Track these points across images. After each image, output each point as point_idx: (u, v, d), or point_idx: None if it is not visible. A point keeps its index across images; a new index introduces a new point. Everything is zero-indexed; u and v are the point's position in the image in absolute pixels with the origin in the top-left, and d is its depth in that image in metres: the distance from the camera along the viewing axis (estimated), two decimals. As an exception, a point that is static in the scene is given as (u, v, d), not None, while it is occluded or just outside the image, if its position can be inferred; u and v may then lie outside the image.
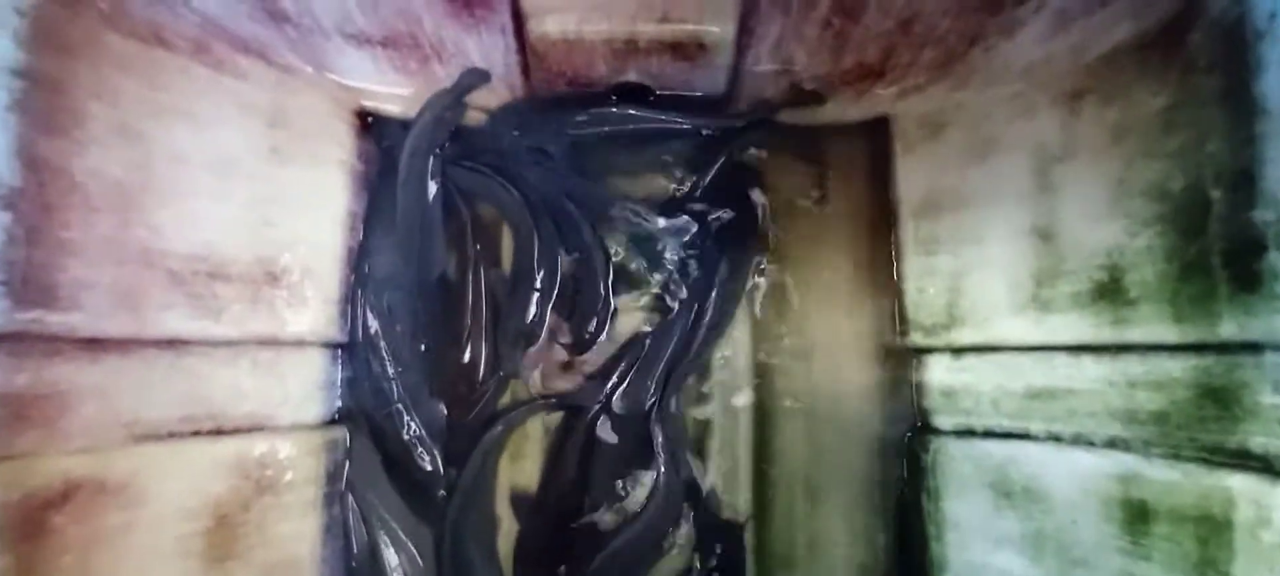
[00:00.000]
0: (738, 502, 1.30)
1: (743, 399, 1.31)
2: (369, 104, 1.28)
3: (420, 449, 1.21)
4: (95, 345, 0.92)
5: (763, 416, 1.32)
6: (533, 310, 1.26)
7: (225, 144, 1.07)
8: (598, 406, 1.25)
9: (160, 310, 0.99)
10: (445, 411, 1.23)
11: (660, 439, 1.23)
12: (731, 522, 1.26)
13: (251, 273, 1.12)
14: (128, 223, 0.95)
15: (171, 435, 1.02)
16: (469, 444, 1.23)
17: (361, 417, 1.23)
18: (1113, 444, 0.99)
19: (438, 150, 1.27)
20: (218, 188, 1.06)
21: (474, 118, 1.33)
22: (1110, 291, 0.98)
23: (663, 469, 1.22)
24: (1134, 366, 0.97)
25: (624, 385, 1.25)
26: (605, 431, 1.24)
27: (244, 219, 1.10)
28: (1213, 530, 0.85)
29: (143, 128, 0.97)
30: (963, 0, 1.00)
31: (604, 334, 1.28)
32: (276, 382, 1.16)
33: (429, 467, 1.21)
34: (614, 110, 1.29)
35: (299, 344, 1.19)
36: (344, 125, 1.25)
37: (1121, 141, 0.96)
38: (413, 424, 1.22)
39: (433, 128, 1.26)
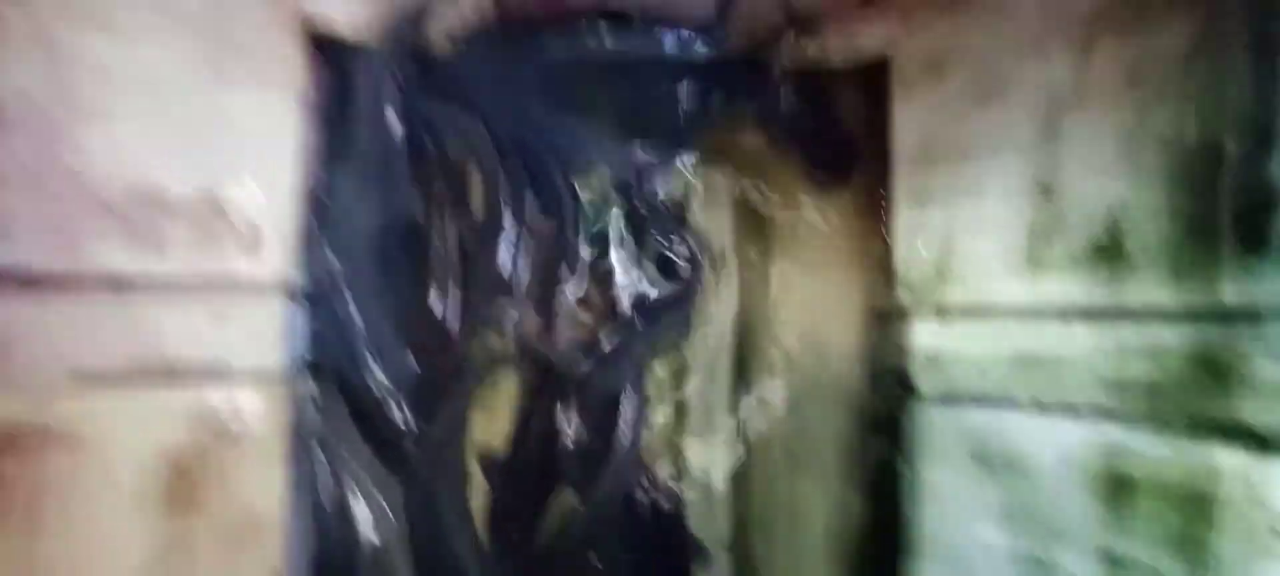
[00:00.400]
0: (715, 468, 1.27)
1: (724, 362, 1.27)
2: (324, 27, 1.18)
3: (389, 400, 1.18)
4: (30, 282, 0.87)
5: (745, 379, 1.27)
6: (506, 259, 1.19)
7: (152, 59, 0.98)
8: (574, 370, 1.21)
9: (96, 241, 0.93)
10: (414, 362, 1.19)
11: (628, 416, 1.19)
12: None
13: (195, 205, 1.05)
14: (51, 144, 0.88)
15: (120, 380, 0.98)
16: (440, 396, 1.19)
17: (329, 367, 1.20)
18: (1099, 414, 0.94)
19: (400, 80, 1.18)
20: (149, 108, 0.98)
21: (440, 44, 1.23)
22: (1108, 252, 0.92)
23: (626, 443, 1.19)
24: (1127, 334, 0.91)
25: (605, 356, 1.20)
26: (577, 397, 1.20)
27: (182, 145, 1.02)
28: (1198, 506, 0.82)
29: (61, 36, 0.88)
30: (974, -80, 0.89)
31: (577, 289, 1.23)
32: (233, 328, 1.11)
33: (398, 420, 1.18)
34: (591, 38, 1.19)
35: (256, 287, 1.14)
36: (296, 49, 1.15)
37: (1136, 86, 0.88)
38: (380, 375, 1.18)
39: (394, 54, 1.17)
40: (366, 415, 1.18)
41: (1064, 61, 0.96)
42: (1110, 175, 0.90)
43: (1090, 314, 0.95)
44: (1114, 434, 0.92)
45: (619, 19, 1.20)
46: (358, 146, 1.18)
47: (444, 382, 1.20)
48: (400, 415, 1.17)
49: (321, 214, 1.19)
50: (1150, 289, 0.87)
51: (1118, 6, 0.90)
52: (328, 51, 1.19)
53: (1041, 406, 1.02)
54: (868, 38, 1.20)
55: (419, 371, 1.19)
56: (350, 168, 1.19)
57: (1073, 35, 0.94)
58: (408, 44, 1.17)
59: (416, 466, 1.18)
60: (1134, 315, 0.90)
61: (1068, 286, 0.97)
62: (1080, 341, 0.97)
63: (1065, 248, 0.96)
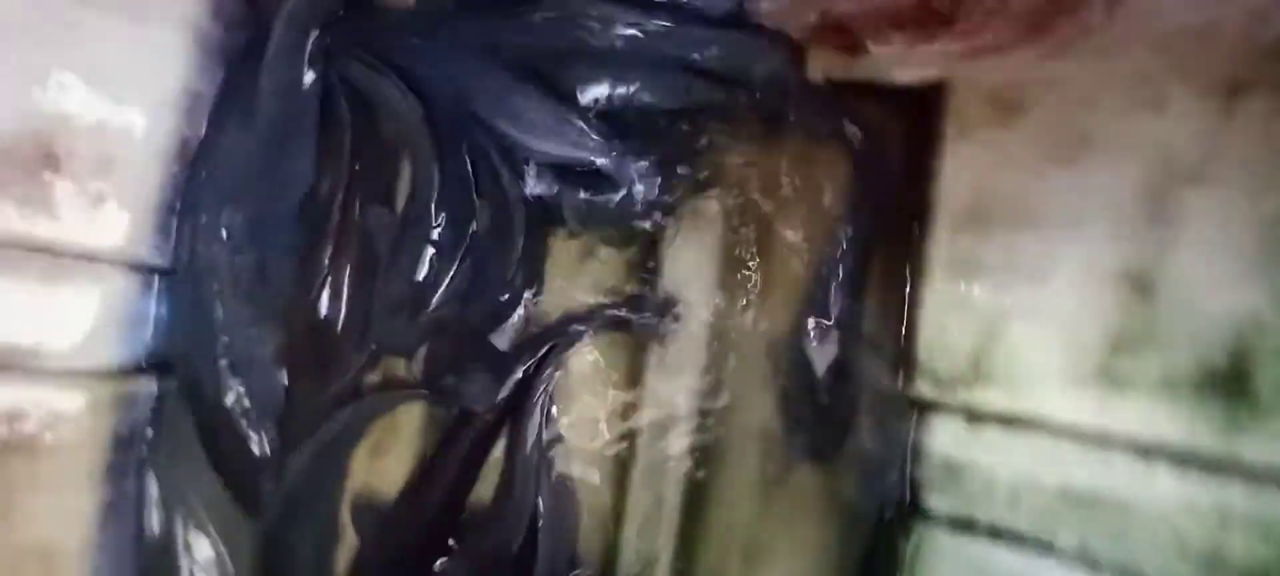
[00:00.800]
0: (655, 552, 1.01)
1: (679, 430, 1.00)
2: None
3: (247, 422, 0.91)
4: None
5: (703, 454, 1.01)
6: (425, 269, 0.93)
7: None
8: (494, 416, 0.94)
9: None
10: (287, 379, 0.92)
11: (557, 483, 0.94)
12: None
13: (16, 148, 0.79)
14: None
15: None
16: (313, 425, 0.93)
17: (178, 370, 0.92)
18: (1176, 591, 0.70)
19: (326, 22, 0.93)
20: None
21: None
22: (1227, 383, 0.68)
23: (549, 515, 0.93)
24: (1236, 495, 0.67)
25: (537, 399, 0.94)
26: (491, 447, 0.94)
27: (14, 76, 0.77)
28: None
29: None
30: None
31: (512, 319, 0.96)
32: (52, 308, 0.84)
33: (257, 449, 0.91)
34: (578, 17, 0.95)
35: (90, 259, 0.86)
36: (195, -31, 0.90)
37: (1296, 167, 0.64)
38: (240, 388, 0.91)
39: (326, -2, 0.92)
40: (216, 434, 0.90)
41: (1188, 118, 0.72)
42: (1241, 280, 0.66)
43: (1184, 459, 0.71)
44: (1194, 623, 0.68)
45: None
46: (260, 104, 0.92)
47: (325, 409, 0.93)
48: (258, 440, 0.90)
49: (198, 180, 0.92)
50: (1281, 445, 0.63)
51: (1277, 67, 0.66)
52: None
53: (1092, 562, 0.78)
54: (920, 64, 0.96)
55: (295, 391, 0.92)
56: (246, 129, 0.92)
57: (1206, 88, 0.70)
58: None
59: (271, 506, 0.90)
60: (1249, 474, 0.67)
61: (1156, 417, 0.72)
62: (1162, 492, 0.73)
63: (1160, 365, 0.72)
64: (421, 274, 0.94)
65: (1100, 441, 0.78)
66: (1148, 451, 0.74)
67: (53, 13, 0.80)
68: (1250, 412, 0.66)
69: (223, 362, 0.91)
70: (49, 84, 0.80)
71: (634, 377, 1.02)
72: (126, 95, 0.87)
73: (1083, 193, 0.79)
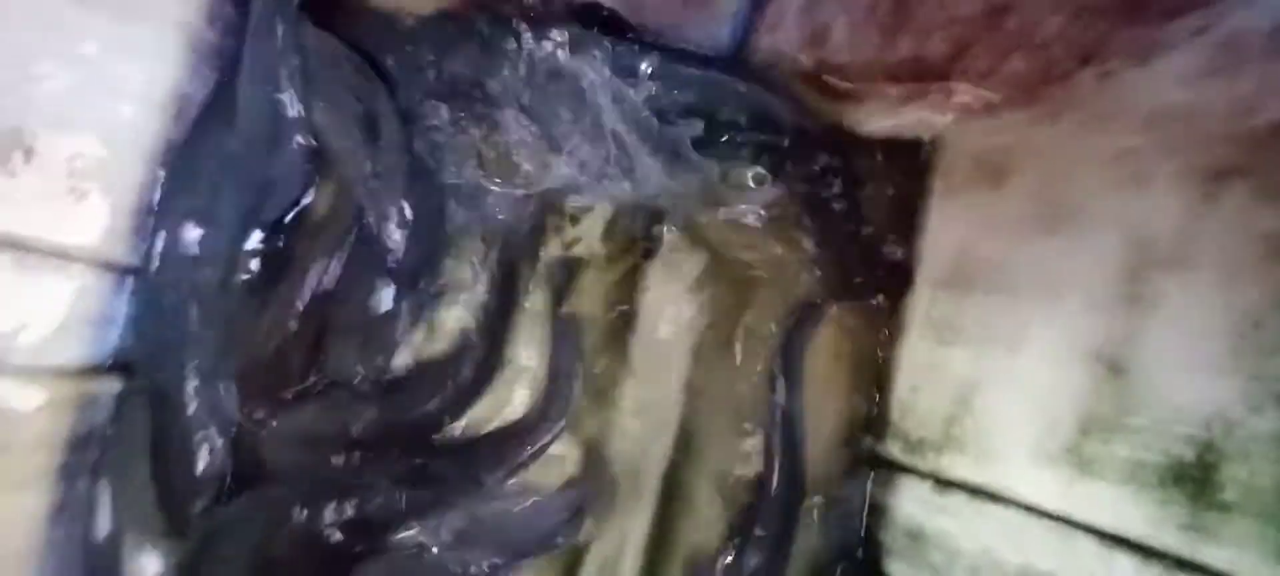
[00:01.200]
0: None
1: (645, 488, 0.97)
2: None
3: (200, 437, 0.89)
4: None
5: (666, 507, 0.98)
6: (385, 297, 0.87)
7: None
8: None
9: None
10: (237, 398, 0.90)
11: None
12: None
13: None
14: None
15: None
16: (274, 452, 0.90)
17: (143, 374, 0.91)
18: (1133, 687, 0.68)
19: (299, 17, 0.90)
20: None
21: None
22: (1192, 479, 0.66)
23: None
24: (1198, 596, 0.65)
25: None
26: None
27: None
28: None
29: None
30: (1090, -8, 0.64)
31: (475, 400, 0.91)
32: (14, 302, 0.84)
33: (199, 467, 0.88)
34: (562, 49, 0.93)
35: (62, 255, 0.85)
36: (192, -30, 0.89)
37: (1278, 261, 0.62)
38: (200, 401, 0.89)
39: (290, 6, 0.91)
40: (166, 445, 0.88)
41: (1169, 199, 0.70)
42: (1213, 373, 0.64)
43: (1147, 553, 0.69)
44: None
45: (610, 25, 0.95)
46: (245, 109, 0.91)
47: (281, 439, 0.90)
48: (205, 457, 0.88)
49: (180, 184, 0.91)
50: (1246, 552, 0.61)
51: (1262, 151, 0.65)
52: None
53: (1050, 645, 0.76)
54: (910, 117, 0.95)
55: (253, 413, 0.90)
56: (234, 133, 0.92)
57: (1190, 172, 0.69)
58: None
59: (195, 538, 0.87)
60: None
61: (1121, 507, 0.70)
62: (1124, 583, 0.70)
63: (1129, 453, 0.70)
64: (378, 302, 0.88)
65: (1065, 525, 0.76)
66: (1112, 542, 0.72)
67: (42, 5, 0.80)
68: (1215, 512, 0.64)
69: (189, 367, 0.89)
70: (31, 76, 0.80)
71: (605, 410, 1.00)
72: (115, 94, 0.86)
73: (1062, 263, 0.77)
